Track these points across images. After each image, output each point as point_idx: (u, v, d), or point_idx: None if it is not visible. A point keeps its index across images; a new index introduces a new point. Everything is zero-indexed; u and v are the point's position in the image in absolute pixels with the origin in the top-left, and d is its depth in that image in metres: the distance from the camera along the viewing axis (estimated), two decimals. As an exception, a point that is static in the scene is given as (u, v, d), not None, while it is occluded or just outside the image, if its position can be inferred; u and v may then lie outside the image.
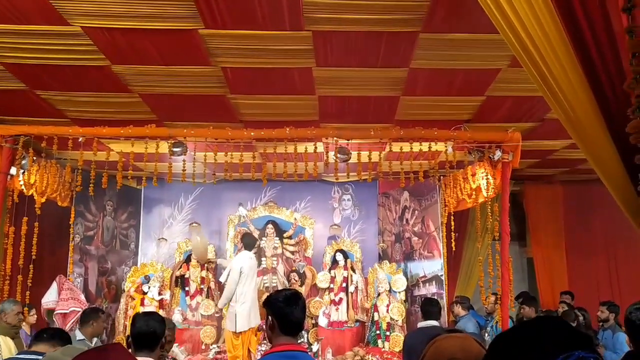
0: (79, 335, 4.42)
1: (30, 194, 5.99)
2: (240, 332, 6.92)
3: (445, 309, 7.15)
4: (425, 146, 5.83)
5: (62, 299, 6.50)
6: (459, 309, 6.82)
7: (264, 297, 7.04)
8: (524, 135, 6.07)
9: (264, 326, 2.57)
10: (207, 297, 8.29)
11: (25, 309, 5.92)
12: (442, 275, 7.46)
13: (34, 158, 5.94)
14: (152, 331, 2.81)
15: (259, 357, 6.61)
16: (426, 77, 5.01)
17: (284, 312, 2.44)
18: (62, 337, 3.10)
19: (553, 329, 1.13)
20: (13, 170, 5.65)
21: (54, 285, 6.59)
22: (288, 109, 5.77)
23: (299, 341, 2.80)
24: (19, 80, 4.98)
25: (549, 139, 6.69)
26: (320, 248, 8.72)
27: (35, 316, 6.32)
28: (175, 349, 7.37)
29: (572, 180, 8.85)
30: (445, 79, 5.07)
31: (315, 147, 5.73)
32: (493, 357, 1.18)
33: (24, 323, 5.81)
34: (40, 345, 2.97)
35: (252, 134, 5.69)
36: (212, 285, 8.39)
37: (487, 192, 6.24)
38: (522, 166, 7.08)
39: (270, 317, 2.47)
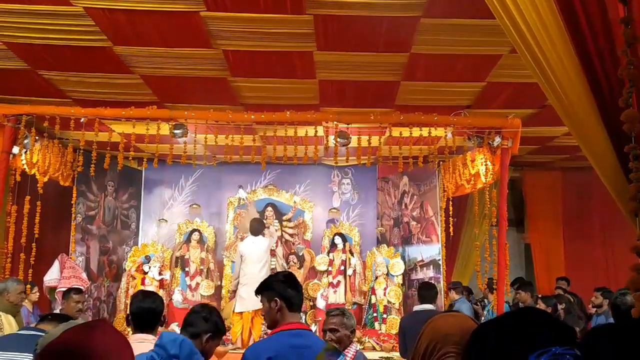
0: None
1: (32, 173, 6.03)
2: (241, 312, 7.06)
3: (443, 293, 7.24)
4: (425, 131, 5.86)
5: (64, 277, 6.58)
6: (453, 294, 7.21)
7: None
8: (524, 122, 6.09)
9: (269, 308, 2.57)
10: (207, 277, 8.38)
11: (28, 286, 6.01)
12: (439, 259, 7.54)
13: (36, 138, 5.97)
14: (152, 309, 2.90)
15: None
16: (427, 62, 5.02)
17: (288, 290, 2.52)
18: (65, 319, 3.18)
19: (534, 323, 1.14)
20: (15, 150, 5.69)
21: (56, 264, 6.66)
22: (288, 92, 5.78)
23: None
24: (22, 60, 5.00)
25: (549, 125, 6.70)
26: (319, 231, 8.78)
27: (38, 294, 6.40)
28: (175, 328, 7.48)
29: (571, 167, 8.86)
30: (446, 65, 5.08)
31: (316, 131, 5.76)
32: (475, 346, 1.20)
33: (26, 300, 5.90)
34: (44, 324, 3.04)
35: (252, 117, 5.71)
36: (212, 266, 8.48)
37: (485, 178, 6.28)
38: (522, 152, 7.11)
39: (277, 299, 2.52)
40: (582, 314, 6.84)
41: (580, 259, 8.93)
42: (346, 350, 3.35)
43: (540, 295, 7.14)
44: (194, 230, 8.55)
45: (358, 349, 3.55)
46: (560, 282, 8.05)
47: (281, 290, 2.52)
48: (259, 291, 2.63)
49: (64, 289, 6.47)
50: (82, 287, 5.84)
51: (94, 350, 1.21)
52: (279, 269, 8.10)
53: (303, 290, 8.16)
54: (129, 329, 3.04)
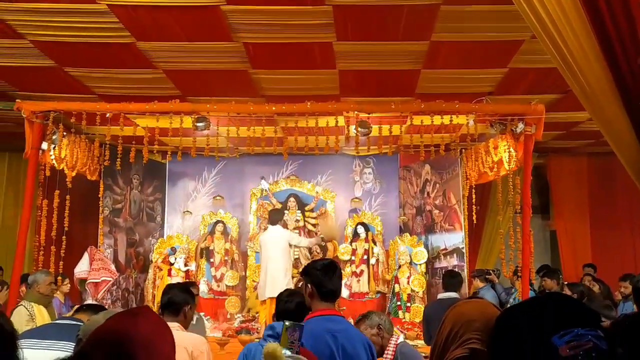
0: None
1: (61, 168, 6.17)
2: (264, 300, 7.19)
3: (466, 281, 7.22)
4: (446, 119, 5.82)
5: (93, 269, 6.75)
6: (477, 282, 7.15)
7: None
8: (548, 107, 5.99)
9: (305, 292, 2.71)
10: (231, 268, 8.50)
11: (59, 278, 6.18)
12: (463, 247, 7.51)
13: (64, 133, 6.11)
14: (172, 300, 3.07)
15: None
16: (447, 49, 4.98)
17: (322, 280, 2.58)
18: (99, 309, 3.31)
19: (557, 306, 1.16)
20: (44, 145, 5.82)
21: (86, 256, 6.83)
22: (309, 83, 5.80)
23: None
24: (48, 57, 5.11)
25: (574, 110, 6.59)
26: (342, 221, 8.82)
27: (69, 285, 6.57)
28: (202, 317, 7.62)
29: (597, 152, 8.71)
30: (467, 52, 5.04)
31: (336, 121, 5.78)
32: (500, 331, 1.22)
33: (58, 292, 6.06)
34: (80, 314, 3.15)
35: (273, 108, 5.74)
36: (236, 256, 8.59)
37: (509, 165, 6.22)
38: (546, 138, 7.02)
39: (309, 285, 2.61)
40: (610, 301, 6.76)
41: (608, 245, 8.81)
42: (386, 351, 3.38)
43: (566, 283, 7.08)
44: (218, 221, 8.66)
45: (400, 341, 3.48)
46: (586, 268, 7.97)
47: (314, 278, 2.60)
48: (301, 273, 2.78)
49: (95, 281, 6.67)
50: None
51: (138, 334, 1.27)
52: (302, 259, 8.19)
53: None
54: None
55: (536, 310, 1.16)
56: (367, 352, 2.59)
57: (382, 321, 3.49)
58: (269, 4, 4.12)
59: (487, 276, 7.26)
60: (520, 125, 5.89)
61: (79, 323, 2.82)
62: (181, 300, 3.11)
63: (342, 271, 8.22)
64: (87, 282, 6.75)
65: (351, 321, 7.83)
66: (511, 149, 6.15)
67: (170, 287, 3.30)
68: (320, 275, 2.59)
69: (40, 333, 2.96)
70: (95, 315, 2.49)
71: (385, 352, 3.40)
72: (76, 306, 3.70)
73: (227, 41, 4.75)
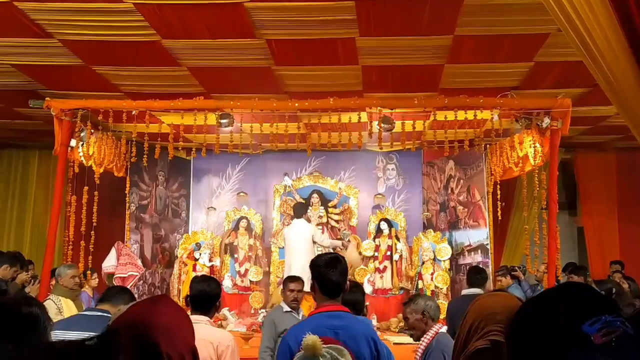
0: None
1: (89, 164, 6.31)
2: None
3: (491, 278, 7.15)
4: (470, 114, 5.76)
5: (120, 264, 6.89)
6: (507, 279, 7.00)
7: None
8: (575, 102, 5.90)
9: (311, 288, 2.72)
10: (255, 264, 8.57)
11: (89, 272, 6.32)
12: (487, 244, 7.44)
13: (92, 131, 6.24)
14: (207, 293, 3.07)
15: None
16: (471, 44, 4.93)
17: (324, 275, 2.58)
18: (124, 292, 3.36)
19: (579, 295, 1.15)
20: (73, 142, 5.96)
21: (113, 251, 6.98)
22: (332, 79, 5.81)
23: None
24: (76, 56, 5.22)
25: (602, 104, 6.47)
26: (365, 217, 8.81)
27: (97, 280, 6.72)
28: (226, 312, 7.71)
29: (625, 147, 8.54)
30: (492, 46, 4.98)
31: (359, 117, 5.76)
32: (522, 320, 1.22)
33: (86, 286, 6.19)
34: (104, 304, 3.21)
35: (296, 104, 5.77)
36: (260, 252, 8.66)
37: (534, 161, 6.13)
38: (573, 133, 6.89)
39: (313, 281, 2.63)
40: (638, 299, 6.62)
41: (636, 242, 8.62)
42: (423, 337, 3.44)
43: (592, 280, 6.96)
44: (242, 217, 8.74)
45: (441, 331, 3.48)
46: (614, 265, 7.82)
47: (316, 275, 2.60)
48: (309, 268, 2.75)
49: (122, 275, 6.81)
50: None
51: (157, 321, 1.31)
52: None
53: (349, 277, 8.35)
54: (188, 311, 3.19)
55: (558, 300, 1.16)
56: (371, 347, 2.53)
57: (428, 307, 3.48)
58: (291, 0, 4.14)
59: (512, 273, 7.17)
60: (546, 120, 5.80)
61: (104, 314, 2.89)
62: (215, 294, 3.13)
63: (366, 267, 8.26)
64: (115, 276, 6.89)
65: (375, 317, 7.84)
66: (537, 144, 6.07)
67: (203, 280, 3.28)
68: (323, 270, 2.57)
69: (70, 324, 3.03)
70: (125, 306, 2.55)
71: (423, 337, 3.43)
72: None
73: (251, 38, 4.78)
